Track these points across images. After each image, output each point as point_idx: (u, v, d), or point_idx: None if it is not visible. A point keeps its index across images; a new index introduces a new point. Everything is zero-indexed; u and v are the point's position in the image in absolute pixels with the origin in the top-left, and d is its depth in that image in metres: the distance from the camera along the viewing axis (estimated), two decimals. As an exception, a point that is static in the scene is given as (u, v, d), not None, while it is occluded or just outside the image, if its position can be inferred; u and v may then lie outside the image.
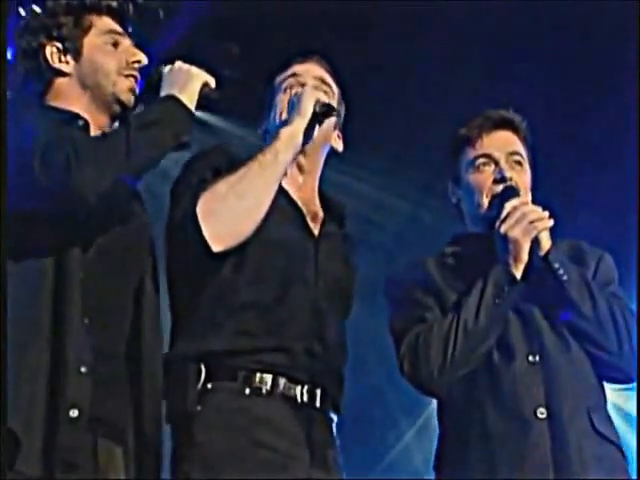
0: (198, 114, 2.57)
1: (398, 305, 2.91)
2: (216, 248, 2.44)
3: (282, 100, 2.76)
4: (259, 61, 3.05)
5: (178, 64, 2.64)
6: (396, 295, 2.93)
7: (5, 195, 2.31)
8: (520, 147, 2.97)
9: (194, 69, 2.61)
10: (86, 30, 2.64)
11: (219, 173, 2.54)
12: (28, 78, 2.61)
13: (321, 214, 2.77)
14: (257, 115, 2.90)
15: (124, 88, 2.62)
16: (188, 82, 2.57)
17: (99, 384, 2.36)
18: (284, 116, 2.69)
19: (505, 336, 2.74)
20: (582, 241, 2.98)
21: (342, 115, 2.90)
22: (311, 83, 2.77)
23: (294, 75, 2.81)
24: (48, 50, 2.61)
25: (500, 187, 2.85)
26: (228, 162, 2.59)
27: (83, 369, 2.32)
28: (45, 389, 2.26)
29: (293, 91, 2.73)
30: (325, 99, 2.68)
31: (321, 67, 2.85)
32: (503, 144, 2.94)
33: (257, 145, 2.72)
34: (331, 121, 2.73)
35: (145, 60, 2.67)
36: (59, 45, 2.61)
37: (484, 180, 2.89)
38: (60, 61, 2.61)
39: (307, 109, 2.61)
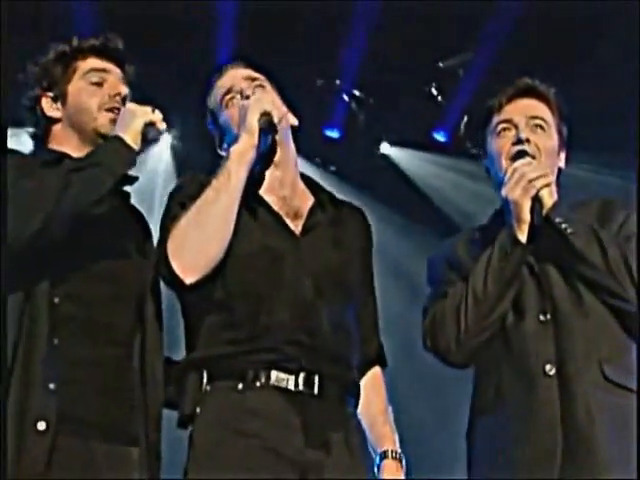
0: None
1: (430, 286, 2.98)
2: (189, 280, 2.63)
3: (230, 116, 2.86)
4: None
5: (128, 105, 2.83)
6: (430, 277, 3.00)
7: (6, 207, 2.52)
8: (545, 113, 2.94)
9: (139, 109, 2.76)
10: (70, 75, 2.88)
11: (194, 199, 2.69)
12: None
13: (307, 205, 2.86)
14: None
15: (104, 122, 2.83)
16: (130, 122, 2.73)
17: (102, 393, 2.62)
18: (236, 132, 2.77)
19: (519, 299, 2.76)
20: (617, 198, 2.93)
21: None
22: (245, 87, 2.86)
23: (220, 87, 2.91)
24: (43, 101, 2.88)
25: (516, 149, 2.84)
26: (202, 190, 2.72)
27: (51, 386, 2.53)
28: (14, 405, 2.48)
29: (235, 104, 2.83)
30: (269, 107, 2.73)
31: (245, 68, 2.94)
32: (524, 108, 2.93)
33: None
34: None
35: (125, 91, 2.88)
36: (51, 94, 2.88)
37: (504, 144, 2.89)
38: (52, 108, 2.88)
39: (252, 125, 2.70)
